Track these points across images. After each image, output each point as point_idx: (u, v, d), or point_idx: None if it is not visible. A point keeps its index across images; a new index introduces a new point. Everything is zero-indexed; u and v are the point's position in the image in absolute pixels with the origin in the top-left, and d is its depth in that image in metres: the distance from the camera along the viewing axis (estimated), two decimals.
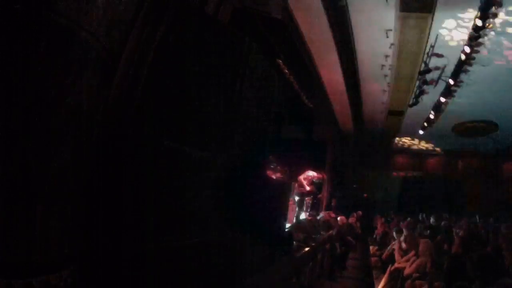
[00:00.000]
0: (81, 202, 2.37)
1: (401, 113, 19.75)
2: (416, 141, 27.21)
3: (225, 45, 3.39)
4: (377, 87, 16.45)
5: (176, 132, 2.88)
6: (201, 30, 3.16)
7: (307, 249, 7.61)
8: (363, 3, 10.56)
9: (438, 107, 17.74)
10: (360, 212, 18.76)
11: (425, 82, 14.46)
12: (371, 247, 13.77)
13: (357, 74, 15.41)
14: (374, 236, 16.11)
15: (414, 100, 16.18)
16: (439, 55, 12.87)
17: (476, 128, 21.26)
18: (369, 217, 21.08)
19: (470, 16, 10.51)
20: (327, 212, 15.76)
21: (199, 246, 3.20)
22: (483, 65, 13.34)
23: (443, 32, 11.69)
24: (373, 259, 11.75)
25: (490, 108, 18.19)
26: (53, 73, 2.16)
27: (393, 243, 10.72)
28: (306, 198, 13.81)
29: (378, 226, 16.87)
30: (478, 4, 9.92)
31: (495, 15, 10.30)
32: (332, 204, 20.20)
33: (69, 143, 2.23)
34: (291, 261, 6.38)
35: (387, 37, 12.09)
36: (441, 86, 15.36)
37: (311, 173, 13.89)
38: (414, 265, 7.54)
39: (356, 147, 26.07)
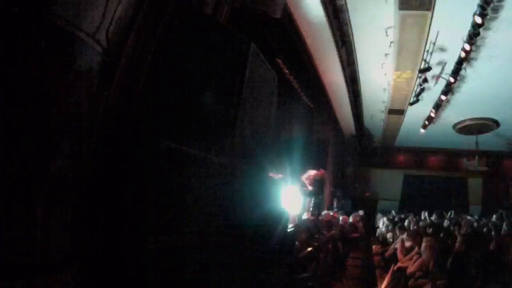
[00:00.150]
0: (81, 202, 2.37)
1: (401, 112, 19.78)
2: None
3: (224, 45, 3.39)
4: (377, 86, 16.47)
5: (176, 133, 2.87)
6: (200, 30, 3.16)
7: (309, 249, 7.61)
8: (362, 1, 10.58)
9: (438, 105, 17.76)
10: (362, 212, 18.78)
11: (425, 80, 14.48)
12: (373, 246, 13.77)
13: (357, 73, 15.43)
14: (377, 235, 16.11)
15: (415, 98, 16.19)
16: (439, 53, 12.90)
17: (477, 126, 21.26)
18: (371, 216, 21.11)
19: (469, 14, 10.51)
20: (329, 211, 15.77)
21: (200, 246, 3.20)
22: (483, 62, 13.36)
23: (442, 29, 11.70)
24: (376, 258, 11.75)
25: (491, 105, 18.19)
26: (52, 75, 2.17)
27: (396, 242, 10.72)
28: (308, 198, 13.82)
29: (380, 225, 16.88)
30: (477, 1, 9.93)
31: (494, 12, 10.31)
32: (334, 203, 20.22)
33: (69, 144, 2.24)
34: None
35: (387, 35, 12.10)
36: (441, 84, 15.39)
37: (313, 173, 13.89)
38: (416, 264, 7.54)
39: (357, 146, 26.10)
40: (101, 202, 2.47)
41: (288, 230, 7.14)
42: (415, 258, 8.02)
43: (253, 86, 3.77)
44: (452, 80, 14.55)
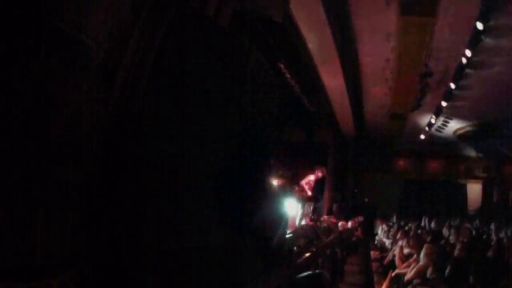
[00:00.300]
0: (81, 205, 2.36)
1: (402, 117, 19.77)
2: None
3: (226, 48, 3.38)
4: (378, 91, 16.47)
5: (176, 136, 2.86)
6: (201, 33, 3.15)
7: (307, 254, 7.59)
8: (364, 7, 10.58)
9: (439, 111, 17.77)
10: (361, 217, 18.76)
11: (426, 86, 14.47)
12: (372, 252, 13.75)
13: (358, 78, 15.44)
14: (375, 241, 16.09)
15: (416, 103, 16.19)
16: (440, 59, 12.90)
17: (477, 132, 21.28)
18: (371, 221, 21.07)
19: (471, 20, 10.51)
20: (328, 216, 15.75)
21: (200, 250, 3.18)
22: (484, 68, 13.36)
23: (444, 35, 11.69)
24: (374, 264, 11.73)
25: (491, 111, 18.20)
26: (53, 77, 2.15)
27: (394, 248, 10.71)
28: (307, 203, 13.81)
29: (379, 231, 16.86)
30: (479, 7, 9.93)
31: (495, 18, 10.31)
32: (333, 208, 20.20)
33: (70, 146, 2.23)
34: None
35: (389, 40, 12.10)
36: (442, 90, 15.39)
37: (312, 177, 13.89)
38: (415, 270, 7.52)
39: (357, 151, 26.10)
40: (102, 204, 2.46)
41: (287, 235, 7.13)
42: (413, 264, 8.00)
43: (254, 89, 3.76)
44: (453, 85, 14.55)
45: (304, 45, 11.11)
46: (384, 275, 9.32)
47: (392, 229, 15.22)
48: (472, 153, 25.00)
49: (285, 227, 6.06)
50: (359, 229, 15.89)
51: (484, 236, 12.80)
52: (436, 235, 11.91)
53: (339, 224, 14.20)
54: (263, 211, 4.45)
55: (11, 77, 1.99)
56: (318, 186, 15.27)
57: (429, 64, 13.23)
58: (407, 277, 7.59)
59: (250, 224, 4.05)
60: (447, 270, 6.48)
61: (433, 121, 19.27)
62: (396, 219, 20.60)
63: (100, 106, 2.48)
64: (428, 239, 10.91)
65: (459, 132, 21.87)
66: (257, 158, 4.21)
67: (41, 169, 2.08)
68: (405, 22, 11.10)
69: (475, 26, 10.54)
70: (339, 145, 22.42)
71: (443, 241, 10.34)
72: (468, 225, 17.09)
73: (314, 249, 8.16)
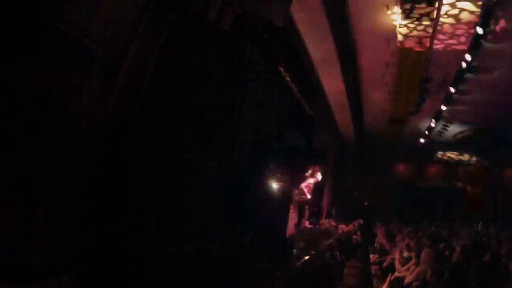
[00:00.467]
0: (81, 206, 2.37)
1: (402, 121, 19.77)
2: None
3: (227, 52, 3.40)
4: (378, 95, 16.48)
5: (177, 139, 2.88)
6: (203, 36, 3.17)
7: (307, 257, 7.59)
8: (365, 11, 10.60)
9: (439, 115, 17.78)
10: (361, 220, 18.72)
11: (426, 90, 14.49)
12: (371, 256, 13.74)
13: (358, 82, 15.45)
14: (375, 244, 16.07)
15: (415, 108, 16.20)
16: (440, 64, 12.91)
17: (476, 136, 21.28)
18: (370, 225, 21.03)
19: (471, 24, 10.53)
20: (328, 220, 15.73)
21: (199, 253, 3.20)
22: (484, 72, 13.38)
23: (444, 39, 11.72)
24: (374, 267, 11.72)
25: (491, 115, 18.21)
26: (55, 79, 2.17)
27: (394, 251, 10.71)
28: (306, 206, 13.79)
29: (379, 234, 16.83)
30: (479, 12, 9.95)
31: (496, 23, 10.33)
32: (333, 212, 20.16)
33: (71, 147, 2.24)
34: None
35: (389, 44, 12.12)
36: (442, 94, 15.40)
37: (312, 181, 13.87)
38: (414, 274, 7.52)
39: (357, 155, 26.07)
40: (102, 205, 2.47)
41: (287, 238, 7.13)
42: (412, 268, 8.01)
43: (254, 92, 3.78)
44: (453, 90, 14.57)
45: (304, 49, 11.13)
46: (383, 278, 9.31)
47: (391, 233, 15.21)
48: (472, 157, 25.00)
49: (285, 230, 6.07)
50: (358, 232, 15.87)
51: (483, 240, 12.79)
52: (436, 239, 11.90)
53: (339, 227, 14.19)
54: (263, 214, 4.46)
55: (12, 77, 2.01)
56: (318, 189, 15.25)
57: (429, 69, 13.25)
58: (406, 281, 7.59)
59: (250, 227, 4.06)
60: (446, 274, 6.48)
61: (433, 125, 19.28)
62: (396, 222, 20.57)
63: (100, 108, 2.50)
64: (428, 242, 10.91)
65: (458, 136, 21.87)
66: (257, 160, 4.23)
67: (41, 170, 2.10)
68: (406, 26, 11.13)
69: (476, 31, 10.56)
70: (339, 149, 22.40)
71: (442, 245, 10.32)
72: (467, 229, 17.08)
73: (313, 252, 8.17)
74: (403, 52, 12.54)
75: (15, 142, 2.00)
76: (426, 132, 20.79)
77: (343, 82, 13.57)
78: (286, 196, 7.74)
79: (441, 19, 10.55)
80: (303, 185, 13.51)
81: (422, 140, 22.25)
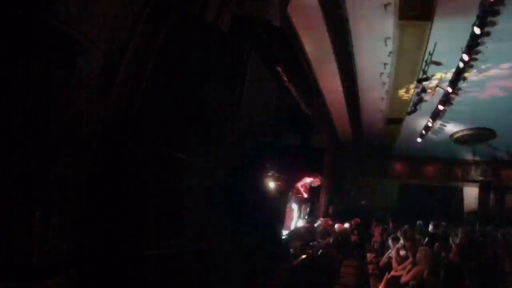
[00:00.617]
0: (81, 206, 2.38)
1: (399, 121, 19.77)
2: None
3: (225, 52, 3.41)
4: (375, 95, 16.48)
5: (176, 139, 2.89)
6: (201, 37, 3.18)
7: (304, 256, 7.61)
8: (362, 11, 10.60)
9: (436, 115, 17.78)
10: (357, 219, 18.75)
11: (424, 90, 14.49)
12: (368, 255, 13.75)
13: (355, 82, 15.44)
14: (372, 243, 16.09)
15: (413, 108, 16.20)
16: (438, 63, 12.90)
17: (474, 136, 21.30)
18: (367, 224, 21.07)
19: (469, 24, 10.53)
20: (325, 219, 15.76)
21: (198, 252, 3.21)
22: (481, 73, 13.40)
23: (441, 39, 11.72)
24: (371, 266, 11.74)
25: (488, 115, 18.24)
26: (55, 79, 2.18)
27: (390, 250, 10.72)
28: (303, 206, 13.81)
29: (375, 234, 16.85)
30: (476, 12, 9.96)
31: (493, 23, 10.34)
32: (330, 211, 20.19)
33: (70, 147, 2.25)
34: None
35: (386, 45, 12.12)
36: (439, 94, 15.41)
37: (309, 180, 13.89)
38: (411, 273, 7.53)
39: (354, 154, 26.09)
40: (101, 206, 2.48)
41: (283, 237, 7.15)
42: (409, 267, 8.02)
43: (252, 93, 3.79)
44: (450, 90, 14.57)
45: (302, 49, 11.14)
46: (380, 278, 9.33)
47: (388, 232, 15.22)
48: (468, 157, 25.00)
49: (282, 229, 6.08)
50: (355, 231, 15.90)
51: (480, 239, 12.81)
52: (432, 238, 11.92)
53: (336, 226, 14.21)
54: (261, 213, 4.47)
55: (11, 77, 2.01)
56: (315, 189, 15.28)
57: (426, 69, 13.26)
58: (402, 279, 7.60)
59: (248, 226, 4.07)
60: (442, 273, 6.49)
61: (430, 124, 19.28)
62: (392, 221, 20.60)
63: (99, 108, 2.50)
64: (424, 241, 10.93)
65: (455, 136, 21.89)
66: (255, 160, 4.24)
67: (40, 170, 2.10)
68: (403, 27, 11.13)
69: (473, 31, 10.57)
70: (336, 149, 22.42)
71: (438, 244, 10.34)
72: (464, 228, 17.12)
73: (310, 251, 8.19)
74: (401, 52, 12.54)
75: (14, 142, 2.00)
76: (423, 132, 20.78)
77: (341, 81, 13.58)
78: (283, 195, 7.76)
79: (437, 18, 10.55)
80: (300, 184, 13.54)
81: (419, 140, 22.24)
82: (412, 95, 15.74)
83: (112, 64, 2.60)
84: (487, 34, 10.71)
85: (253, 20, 4.33)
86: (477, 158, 23.64)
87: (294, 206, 12.66)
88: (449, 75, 13.80)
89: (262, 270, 4.80)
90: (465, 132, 21.23)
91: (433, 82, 14.44)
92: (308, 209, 14.36)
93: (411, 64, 13.31)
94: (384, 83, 14.98)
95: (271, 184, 6.65)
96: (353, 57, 13.37)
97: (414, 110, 16.26)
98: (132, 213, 2.62)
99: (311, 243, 9.23)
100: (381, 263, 10.91)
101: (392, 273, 8.63)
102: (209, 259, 3.40)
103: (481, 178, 25.67)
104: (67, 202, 2.27)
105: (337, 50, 11.58)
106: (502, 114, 17.40)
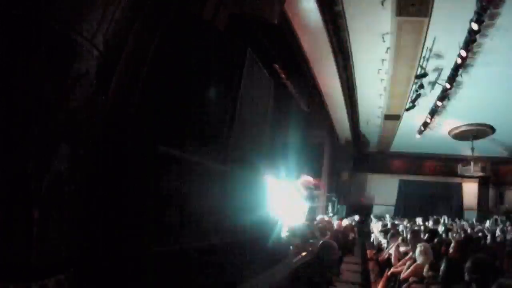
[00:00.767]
0: (79, 206, 2.38)
1: (397, 117, 19.79)
2: None
3: (222, 51, 3.41)
4: (373, 92, 16.49)
5: (173, 138, 2.89)
6: (198, 36, 3.18)
7: (303, 253, 7.61)
8: (359, 8, 10.60)
9: (434, 111, 17.80)
10: (357, 216, 18.79)
11: (422, 86, 14.51)
12: (368, 251, 13.78)
13: (353, 79, 15.45)
14: (371, 240, 16.12)
15: (411, 104, 16.22)
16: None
17: (472, 132, 21.33)
18: (366, 221, 21.12)
19: (466, 20, 10.54)
20: (324, 216, 15.77)
21: (198, 251, 3.21)
22: (479, 68, 13.40)
23: (439, 36, 11.73)
24: (370, 263, 11.76)
25: (486, 111, 18.26)
26: (50, 79, 2.18)
27: (390, 247, 10.73)
28: (303, 203, 13.81)
29: (375, 230, 16.88)
30: (473, 8, 9.97)
31: (490, 19, 10.36)
32: (329, 208, 20.22)
33: (67, 147, 2.24)
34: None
35: (384, 41, 12.12)
36: (437, 90, 15.42)
37: (308, 178, 13.91)
38: (411, 269, 7.54)
39: (353, 151, 26.12)
40: (100, 206, 2.48)
41: (283, 235, 7.15)
42: (409, 263, 8.02)
43: (249, 91, 3.79)
44: (448, 86, 14.59)
45: (299, 47, 11.14)
46: (380, 274, 9.35)
47: (387, 228, 15.25)
48: (467, 153, 25.05)
49: (282, 227, 6.09)
50: (355, 228, 15.91)
51: (479, 235, 12.84)
52: (432, 234, 11.94)
53: (335, 223, 14.23)
54: (260, 211, 4.48)
55: (9, 77, 2.01)
56: (314, 186, 15.29)
57: (424, 65, 13.27)
58: (403, 276, 7.61)
59: (248, 224, 4.08)
60: (441, 269, 6.50)
61: (428, 121, 19.31)
62: (392, 218, 20.65)
63: (96, 108, 2.50)
64: (424, 237, 10.95)
65: (454, 132, 21.92)
66: (254, 159, 4.24)
67: (39, 169, 2.10)
68: (401, 23, 11.14)
69: (470, 27, 10.58)
70: (334, 146, 22.44)
71: (438, 240, 10.35)
72: (463, 224, 17.15)
73: (310, 248, 8.19)
74: (398, 48, 12.55)
75: (13, 142, 2.00)
76: (422, 128, 20.82)
77: (338, 78, 13.59)
78: (283, 193, 7.76)
79: (435, 14, 10.56)
80: (299, 182, 13.54)
81: (418, 136, 22.28)
82: (410, 91, 15.76)
83: (110, 64, 2.60)
84: (485, 30, 10.73)
85: (251, 19, 4.33)
86: (476, 154, 23.67)
87: (294, 204, 12.65)
88: (447, 71, 13.81)
89: (262, 268, 4.80)
90: (464, 128, 21.26)
91: (432, 78, 14.46)
92: (307, 206, 14.35)
93: (409, 60, 13.32)
94: (382, 80, 14.99)
95: (271, 183, 6.65)
96: (351, 54, 13.38)
97: (412, 106, 16.28)
98: (132, 213, 2.62)
99: (311, 240, 9.23)
100: (380, 260, 10.93)
101: (392, 269, 8.64)
102: (209, 259, 3.40)
103: (480, 174, 25.69)
104: (66, 202, 2.27)
105: (334, 47, 11.59)
106: (500, 110, 17.42)
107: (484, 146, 23.02)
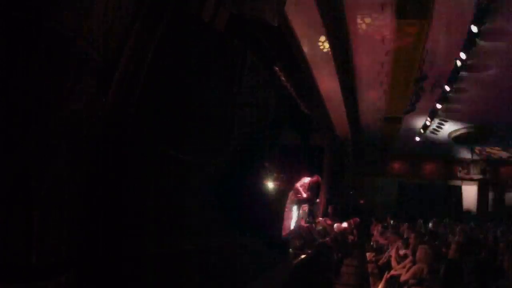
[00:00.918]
0: (79, 206, 2.38)
1: (397, 120, 19.80)
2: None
3: (222, 52, 3.41)
4: (373, 94, 16.50)
5: (173, 139, 2.89)
6: (198, 37, 3.18)
7: (303, 256, 7.61)
8: (359, 10, 10.61)
9: (434, 113, 17.82)
10: (357, 219, 18.76)
11: (421, 89, 14.52)
12: (368, 254, 13.78)
13: (353, 81, 15.46)
14: (371, 242, 16.11)
15: (411, 106, 16.23)
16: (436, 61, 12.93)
17: (472, 134, 21.35)
18: (366, 224, 21.10)
19: (466, 22, 10.56)
20: (324, 218, 15.75)
21: (197, 251, 3.21)
22: (479, 71, 13.42)
23: (439, 38, 11.74)
24: (370, 265, 11.77)
25: (486, 114, 18.27)
26: (50, 81, 2.18)
27: (390, 249, 10.75)
28: (303, 205, 13.79)
29: (375, 233, 16.88)
30: (473, 10, 9.98)
31: (490, 21, 10.37)
32: (329, 210, 20.19)
33: (67, 148, 2.25)
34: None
35: (383, 43, 12.13)
36: (437, 92, 15.44)
37: (308, 180, 13.90)
38: (410, 272, 7.55)
39: (353, 154, 26.12)
40: (100, 207, 2.48)
41: (283, 237, 7.15)
42: (408, 266, 8.03)
43: (250, 92, 3.79)
44: (447, 88, 14.61)
45: (299, 49, 11.14)
46: (379, 277, 9.36)
47: (387, 231, 15.26)
48: (467, 155, 25.07)
49: (282, 229, 6.09)
50: (354, 231, 15.90)
51: (479, 237, 12.84)
52: (432, 236, 11.95)
53: (335, 226, 14.21)
54: (260, 213, 4.48)
55: (9, 78, 2.02)
56: (314, 188, 15.27)
57: (424, 67, 13.28)
58: (402, 278, 7.61)
59: (247, 226, 4.08)
60: (441, 271, 6.51)
61: (428, 123, 19.33)
62: (392, 220, 20.63)
63: (97, 109, 2.51)
64: (424, 240, 10.96)
65: (454, 134, 21.94)
66: (254, 160, 4.24)
67: (39, 170, 2.11)
68: (400, 25, 11.14)
69: (470, 29, 10.59)
70: (334, 148, 22.42)
71: (438, 242, 10.37)
72: (463, 226, 17.16)
73: (309, 251, 8.20)
74: (398, 51, 12.55)
75: (13, 143, 2.01)
76: (422, 130, 20.84)
77: (339, 81, 13.58)
78: (282, 195, 7.76)
79: (435, 16, 10.57)
80: (299, 184, 13.54)
81: (417, 138, 22.30)
82: (410, 94, 15.76)
83: (110, 64, 2.61)
84: (484, 32, 10.74)
85: (250, 20, 4.33)
86: (476, 157, 23.67)
87: (293, 206, 12.64)
88: (447, 74, 13.82)
89: (262, 270, 4.80)
90: (463, 131, 21.28)
91: (431, 81, 14.47)
92: (307, 208, 14.33)
93: (409, 62, 13.32)
94: (382, 82, 15.00)
95: (271, 184, 6.65)
96: (351, 56, 13.39)
97: (412, 109, 16.29)
98: (132, 213, 2.63)
99: (310, 243, 9.23)
100: (380, 262, 10.94)
101: (392, 272, 8.65)
102: (209, 259, 3.41)
103: (480, 176, 25.71)
104: (66, 202, 2.27)
105: (335, 50, 11.59)
106: (500, 113, 17.43)
107: (483, 148, 23.03)
